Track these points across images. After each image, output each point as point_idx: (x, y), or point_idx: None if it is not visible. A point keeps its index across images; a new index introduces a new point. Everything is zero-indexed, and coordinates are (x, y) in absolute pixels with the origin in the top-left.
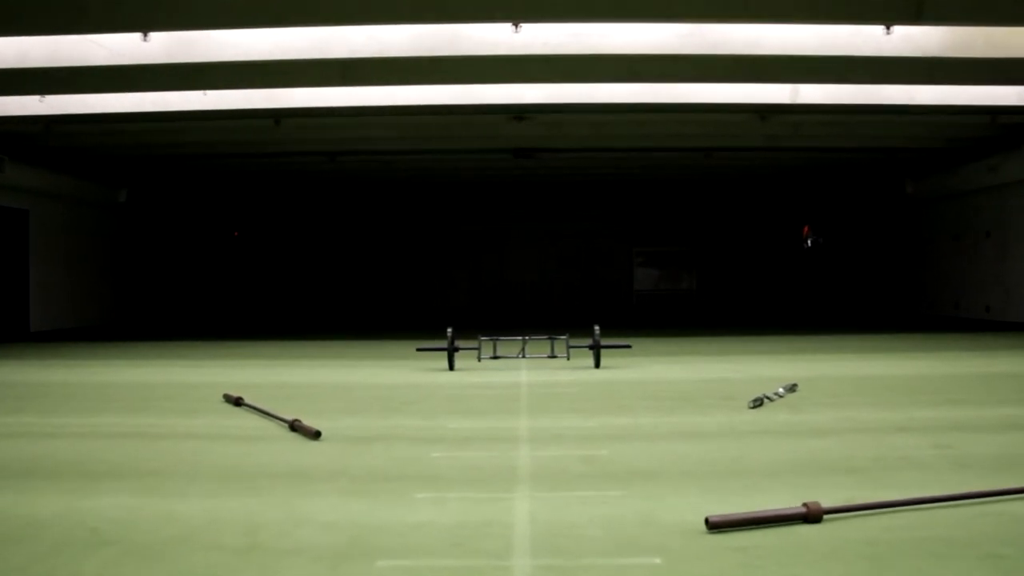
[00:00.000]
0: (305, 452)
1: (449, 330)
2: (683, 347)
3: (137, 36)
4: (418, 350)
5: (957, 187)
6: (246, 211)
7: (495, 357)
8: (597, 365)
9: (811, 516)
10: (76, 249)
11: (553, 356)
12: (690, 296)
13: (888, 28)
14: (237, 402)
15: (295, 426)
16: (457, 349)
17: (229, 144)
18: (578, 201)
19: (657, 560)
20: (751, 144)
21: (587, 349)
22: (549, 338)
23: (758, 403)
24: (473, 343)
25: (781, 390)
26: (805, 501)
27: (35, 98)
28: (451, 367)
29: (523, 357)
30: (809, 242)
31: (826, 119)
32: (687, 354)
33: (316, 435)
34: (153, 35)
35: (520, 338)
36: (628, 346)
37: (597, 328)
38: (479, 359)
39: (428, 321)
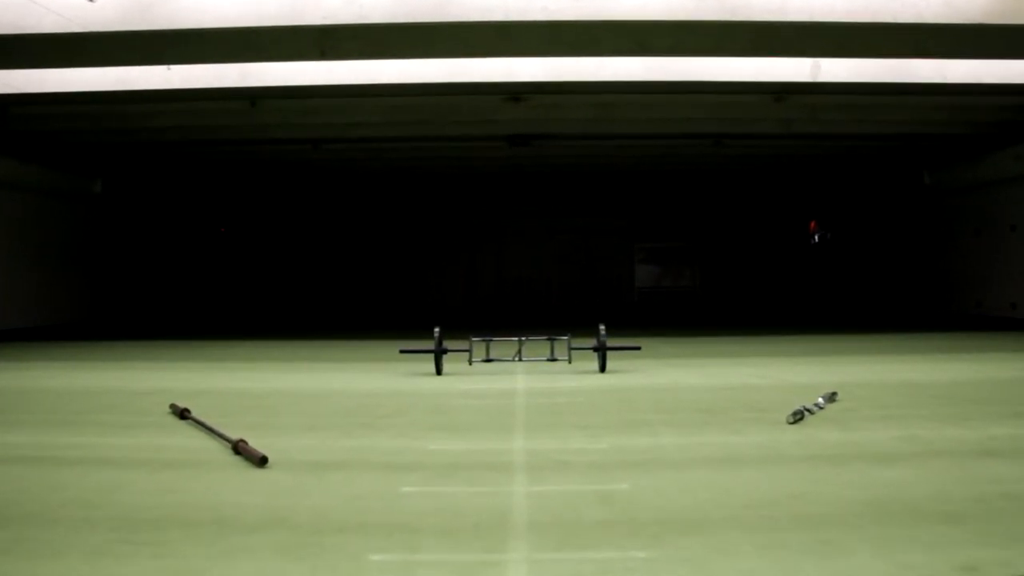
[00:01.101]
0: (243, 485)
1: (436, 330)
2: (694, 348)
3: None
4: (401, 352)
5: (979, 178)
6: (227, 204)
7: (488, 360)
8: (603, 369)
9: None
10: (45, 243)
11: (553, 359)
12: (693, 294)
13: None
14: (182, 414)
15: (239, 448)
16: (445, 351)
17: (205, 129)
18: (577, 194)
19: None
20: (763, 130)
21: (591, 351)
22: (548, 339)
23: (798, 417)
24: (464, 344)
25: (821, 400)
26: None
27: None
28: (438, 371)
29: (519, 360)
30: (816, 237)
31: (845, 101)
32: (700, 356)
33: (262, 461)
34: None
35: (516, 339)
36: (637, 348)
37: (602, 328)
38: (470, 362)
39: (420, 320)
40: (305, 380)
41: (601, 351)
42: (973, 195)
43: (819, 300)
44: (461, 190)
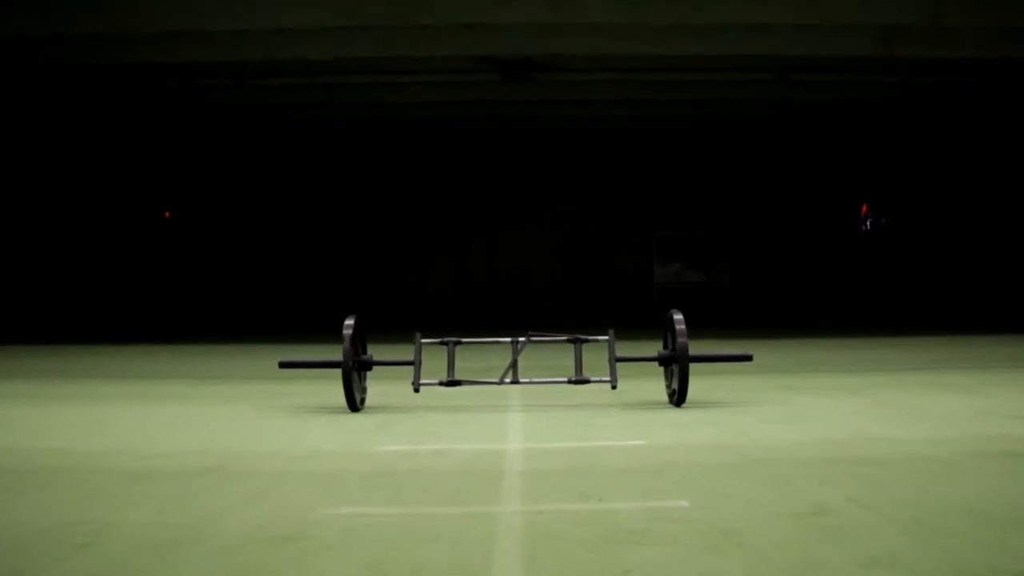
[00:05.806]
0: None
1: (348, 322)
2: (806, 359)
3: None
4: (282, 366)
5: None
6: (138, 165)
7: (452, 383)
8: (680, 401)
9: None
10: None
11: (581, 380)
12: (722, 290)
13: None
14: None
15: None
16: (369, 365)
17: (56, 43)
18: (587, 169)
19: None
20: (854, 52)
21: (656, 364)
22: (572, 340)
23: None
24: (406, 353)
25: None
26: None
27: None
28: (352, 405)
29: (513, 382)
30: (868, 224)
31: None
32: (822, 371)
33: None
34: None
35: (509, 340)
36: (748, 357)
37: (679, 318)
38: (416, 387)
39: (395, 320)
40: (92, 427)
41: (679, 364)
42: None
43: (882, 296)
44: (446, 161)
